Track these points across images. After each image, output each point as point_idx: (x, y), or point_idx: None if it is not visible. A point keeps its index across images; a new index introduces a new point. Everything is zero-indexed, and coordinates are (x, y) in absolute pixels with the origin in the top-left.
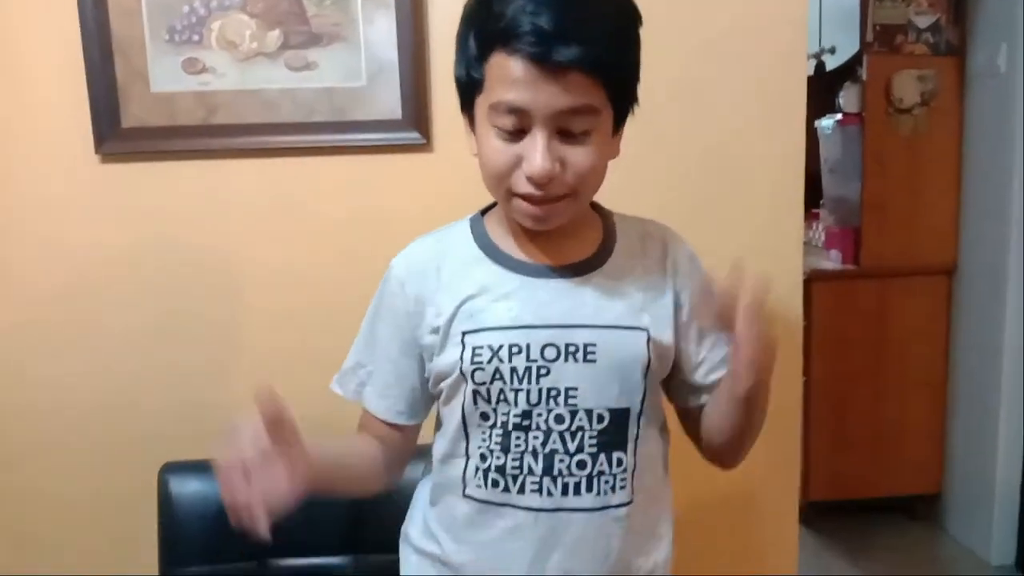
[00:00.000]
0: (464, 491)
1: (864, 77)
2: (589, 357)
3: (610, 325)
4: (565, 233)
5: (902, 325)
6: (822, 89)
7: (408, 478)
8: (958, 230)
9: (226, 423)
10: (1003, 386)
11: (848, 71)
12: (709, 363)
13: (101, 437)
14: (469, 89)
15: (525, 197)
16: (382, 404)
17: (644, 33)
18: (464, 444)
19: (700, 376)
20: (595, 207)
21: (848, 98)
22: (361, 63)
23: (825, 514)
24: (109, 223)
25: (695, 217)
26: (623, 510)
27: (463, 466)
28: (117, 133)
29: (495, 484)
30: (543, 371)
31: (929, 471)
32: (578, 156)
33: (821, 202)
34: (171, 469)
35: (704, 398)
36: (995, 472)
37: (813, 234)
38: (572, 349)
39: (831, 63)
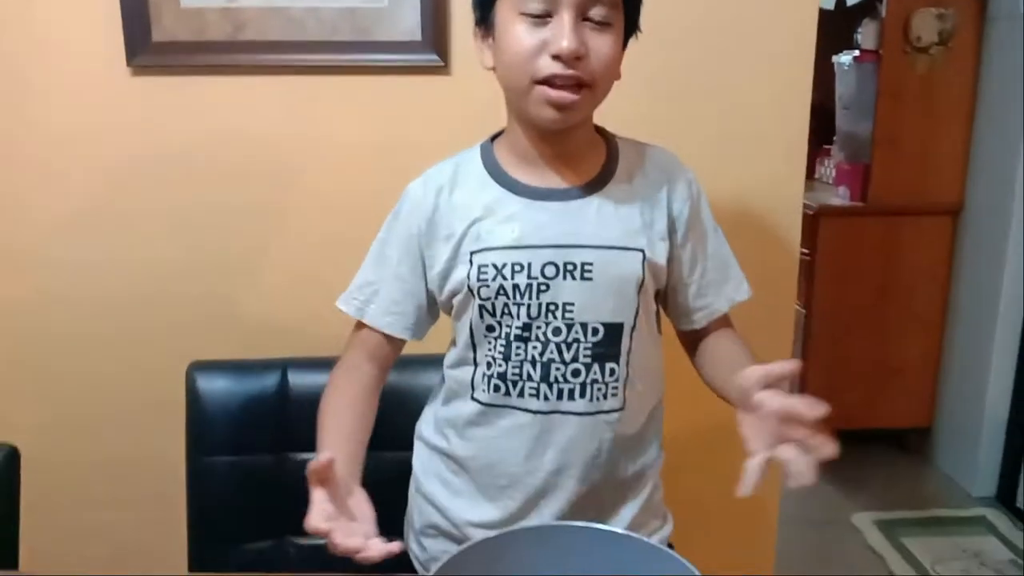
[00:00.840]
0: (472, 395)
1: (883, 14)
2: (586, 275)
3: (607, 246)
4: (570, 155)
5: (905, 263)
6: (841, 25)
7: (422, 384)
8: (966, 172)
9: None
10: (998, 327)
11: (868, 7)
12: (697, 286)
13: (133, 327)
14: None
15: (549, 81)
16: (386, 320)
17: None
18: (472, 353)
19: (690, 299)
20: (600, 131)
21: (866, 35)
22: None
23: None
24: (139, 132)
25: (701, 148)
26: (614, 415)
27: (472, 372)
28: (148, 47)
29: (497, 389)
30: (543, 288)
31: (922, 406)
32: (600, 43)
33: (834, 139)
34: (198, 367)
35: (696, 318)
36: (983, 409)
37: (824, 170)
38: (570, 267)
39: None
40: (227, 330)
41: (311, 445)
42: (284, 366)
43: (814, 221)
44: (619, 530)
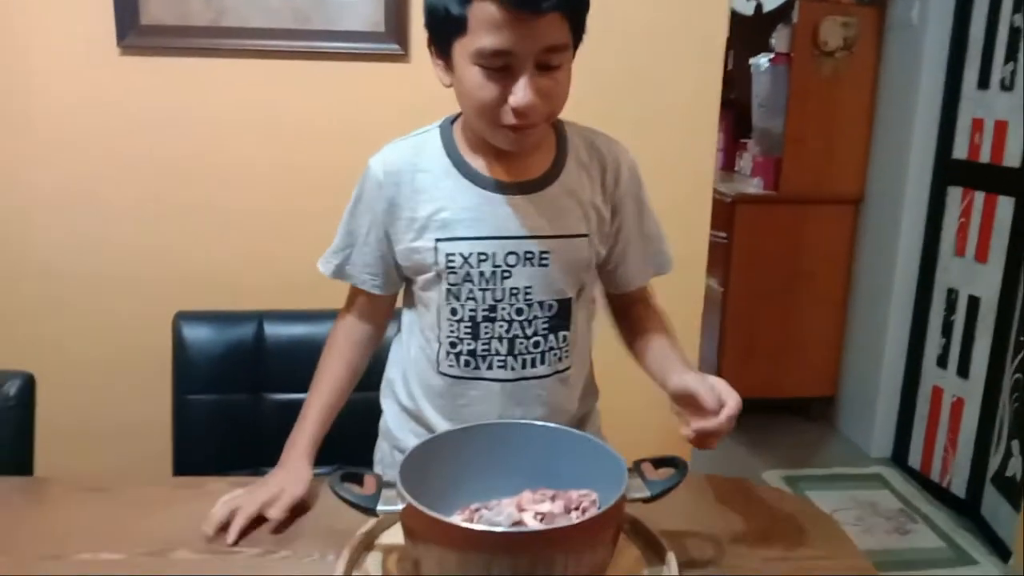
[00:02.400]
0: (438, 369)
1: (795, 20)
2: (543, 262)
3: (561, 235)
4: (525, 152)
5: (812, 247)
6: (759, 30)
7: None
8: (866, 165)
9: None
10: (891, 305)
11: (782, 14)
12: (629, 258)
13: (126, 282)
14: (447, 27)
15: (510, 127)
16: (363, 278)
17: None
18: (437, 331)
19: (621, 269)
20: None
21: (780, 39)
22: None
23: None
24: (125, 108)
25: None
26: (567, 373)
27: (436, 349)
28: (136, 29)
29: (467, 364)
30: (506, 274)
31: (826, 376)
32: (554, 84)
33: (751, 134)
34: (184, 317)
35: (622, 285)
36: (879, 379)
37: (742, 163)
38: (529, 256)
39: (768, 5)
40: (209, 285)
41: (284, 387)
42: (260, 317)
43: (731, 208)
44: (558, 425)
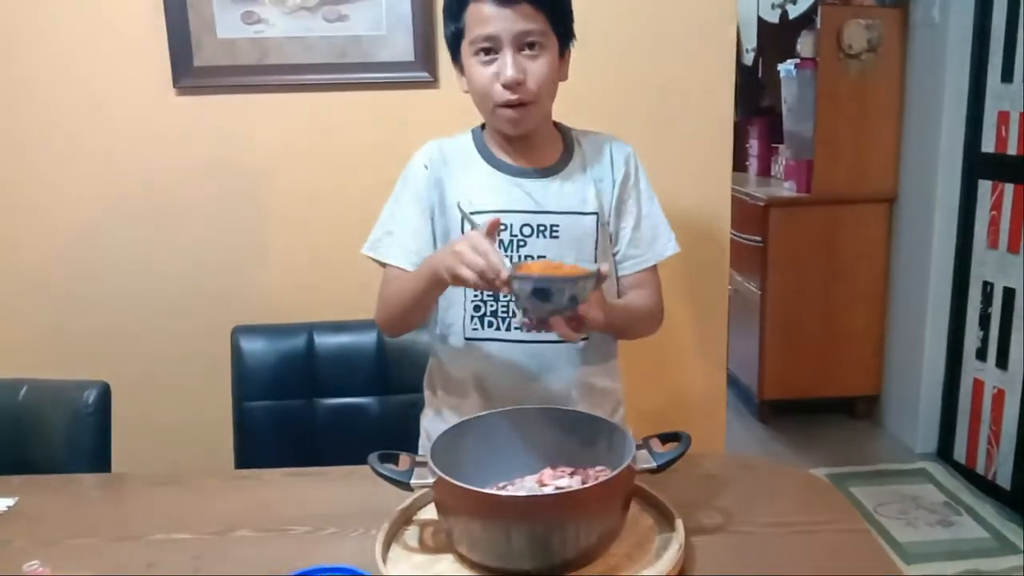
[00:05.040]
0: (465, 335)
1: (819, 25)
2: (554, 233)
3: (569, 211)
4: (537, 145)
5: (848, 246)
6: (785, 36)
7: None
8: (898, 163)
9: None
10: (929, 300)
11: (806, 20)
12: (631, 239)
13: (189, 302)
14: (456, 39)
15: (504, 105)
16: (405, 258)
17: (593, 23)
18: (463, 299)
19: (624, 249)
20: (558, 127)
21: (805, 44)
22: (382, 15)
23: (777, 412)
24: (183, 143)
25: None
26: (581, 343)
27: (462, 314)
28: (190, 71)
29: (490, 324)
30: (521, 243)
31: (870, 374)
32: (536, 67)
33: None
34: (241, 330)
35: (627, 265)
36: (921, 374)
37: (776, 167)
38: (542, 228)
39: (793, 12)
40: (263, 302)
41: (334, 392)
42: (310, 329)
43: (765, 212)
44: (576, 410)
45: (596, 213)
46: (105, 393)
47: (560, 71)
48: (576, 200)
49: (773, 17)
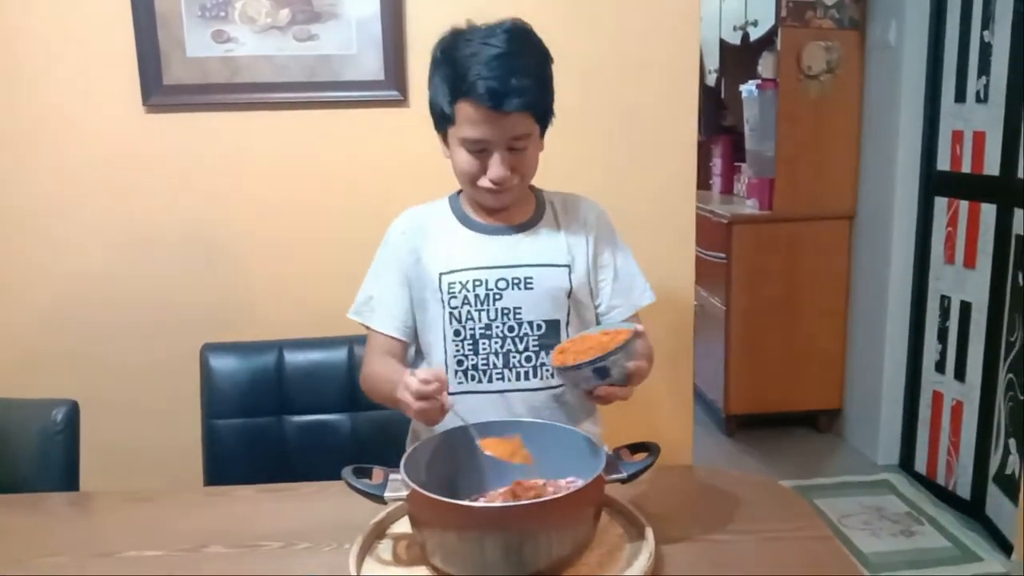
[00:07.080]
0: (448, 388)
1: (779, 47)
2: (528, 286)
3: (542, 264)
4: (508, 209)
5: (809, 262)
6: (746, 57)
7: None
8: (857, 181)
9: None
10: (889, 314)
11: (767, 42)
12: (609, 292)
13: (157, 319)
14: (443, 119)
15: (488, 191)
16: (389, 323)
17: (559, 44)
18: (444, 356)
19: (605, 302)
20: (530, 187)
21: (765, 65)
22: (353, 35)
23: (743, 426)
24: (152, 161)
25: (606, 188)
26: (559, 390)
27: (444, 370)
28: (160, 89)
29: (472, 378)
30: (497, 296)
31: (832, 388)
32: (522, 162)
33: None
34: (210, 348)
35: (610, 318)
36: (881, 387)
37: (739, 186)
38: (516, 281)
39: (754, 35)
40: (232, 319)
41: (305, 409)
42: (280, 346)
43: (728, 229)
44: (547, 421)
45: (568, 265)
46: (74, 412)
47: (540, 146)
48: (549, 253)
49: (735, 39)
